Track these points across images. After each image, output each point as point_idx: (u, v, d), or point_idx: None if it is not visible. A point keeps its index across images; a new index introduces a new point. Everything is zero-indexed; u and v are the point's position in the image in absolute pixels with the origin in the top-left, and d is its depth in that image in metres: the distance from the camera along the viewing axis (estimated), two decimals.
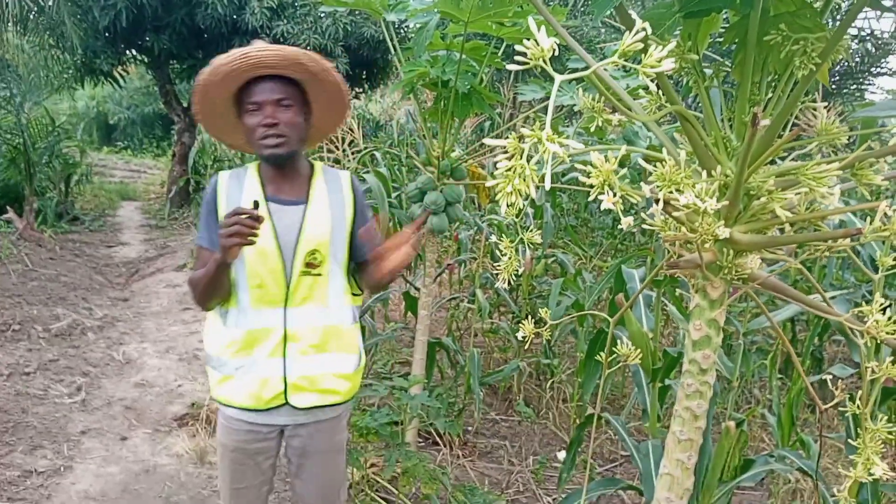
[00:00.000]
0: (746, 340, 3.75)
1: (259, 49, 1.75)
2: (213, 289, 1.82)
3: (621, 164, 0.95)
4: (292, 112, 1.83)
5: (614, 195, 0.91)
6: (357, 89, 12.61)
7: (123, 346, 5.19)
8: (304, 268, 1.86)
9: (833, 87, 7.62)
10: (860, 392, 1.14)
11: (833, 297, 2.39)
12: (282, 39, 9.61)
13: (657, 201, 0.94)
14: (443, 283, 5.89)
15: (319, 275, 1.88)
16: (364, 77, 11.91)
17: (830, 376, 1.50)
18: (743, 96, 1.02)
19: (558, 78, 0.78)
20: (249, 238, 1.65)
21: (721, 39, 1.13)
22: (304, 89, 1.87)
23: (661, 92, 1.06)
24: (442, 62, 3.18)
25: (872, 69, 7.88)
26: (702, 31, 1.09)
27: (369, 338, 4.34)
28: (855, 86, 8.14)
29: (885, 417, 1.15)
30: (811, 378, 3.21)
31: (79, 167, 10.87)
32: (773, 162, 1.18)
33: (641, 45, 0.80)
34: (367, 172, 4.98)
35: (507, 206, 0.74)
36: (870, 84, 8.22)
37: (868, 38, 7.52)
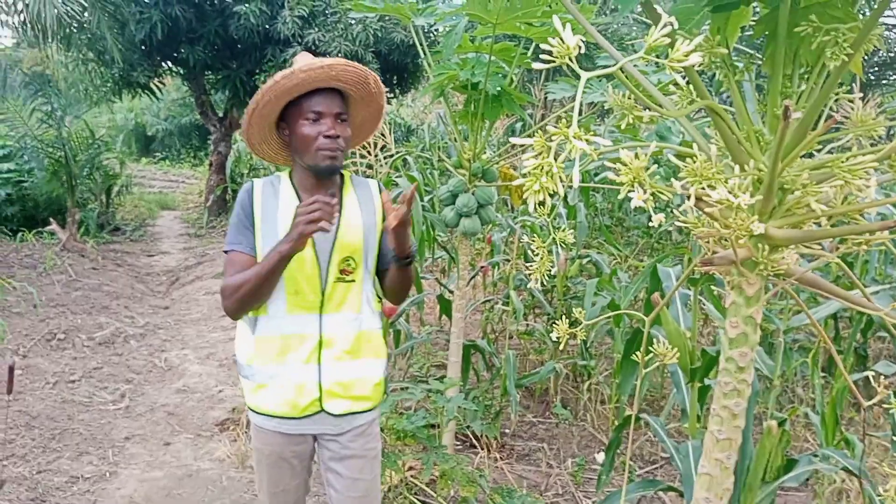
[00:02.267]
0: (787, 338, 3.68)
1: (340, 63, 1.79)
2: (265, 288, 1.80)
3: (653, 161, 0.94)
4: (347, 127, 1.87)
5: (644, 192, 0.91)
6: (388, 94, 12.69)
7: (165, 352, 5.29)
8: (338, 274, 1.89)
9: (871, 77, 7.45)
10: None
11: (875, 293, 2.33)
12: (313, 47, 9.72)
13: (689, 197, 0.93)
14: (476, 286, 5.88)
15: (353, 281, 1.91)
16: (395, 82, 11.98)
17: (874, 373, 1.46)
18: (774, 89, 1.00)
19: (584, 75, 0.77)
20: (324, 224, 1.67)
21: (751, 32, 1.12)
22: (348, 104, 1.91)
23: (691, 87, 1.05)
24: (471, 64, 3.18)
25: None
26: (731, 25, 1.08)
27: (405, 341, 4.36)
28: (895, 76, 7.96)
29: None
30: (854, 376, 3.14)
31: (119, 178, 11.12)
32: (808, 155, 1.16)
33: (669, 40, 0.80)
34: (400, 177, 5.01)
35: (535, 204, 0.74)
36: None
37: None
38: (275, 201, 1.90)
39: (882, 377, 1.22)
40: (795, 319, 2.89)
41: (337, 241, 1.88)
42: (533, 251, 1.52)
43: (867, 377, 3.51)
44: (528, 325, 4.89)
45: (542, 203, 0.74)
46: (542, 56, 0.79)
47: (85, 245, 8.62)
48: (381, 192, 2.01)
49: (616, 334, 4.05)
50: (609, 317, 2.23)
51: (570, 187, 0.78)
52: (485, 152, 3.47)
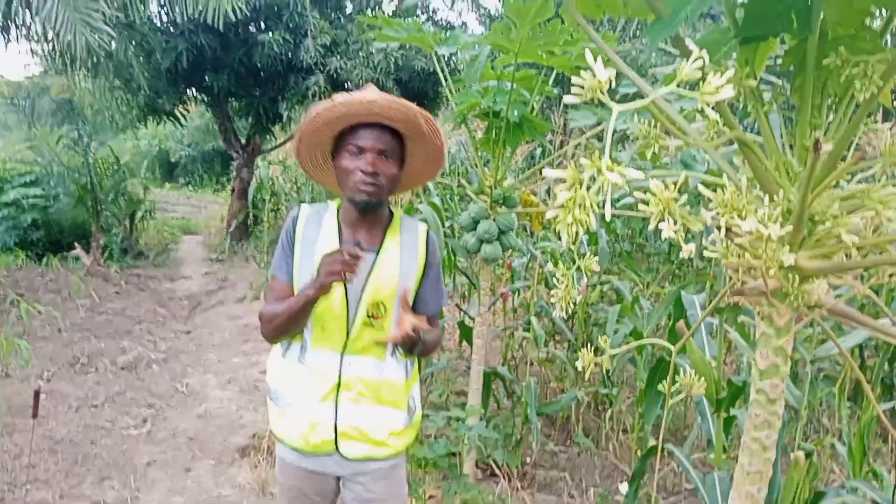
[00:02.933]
0: (813, 368, 3.63)
1: (385, 99, 1.77)
2: (294, 324, 1.83)
3: (680, 191, 0.95)
4: (391, 164, 1.84)
5: (675, 223, 0.91)
6: None
7: (187, 377, 5.31)
8: (366, 318, 1.86)
9: None
10: None
11: None
12: (335, 75, 9.86)
13: (719, 228, 0.93)
14: (497, 312, 5.87)
15: (381, 328, 1.87)
16: None
17: None
18: (803, 120, 1.00)
19: (616, 108, 0.78)
20: (347, 274, 1.69)
21: (779, 63, 1.12)
22: (404, 142, 1.89)
23: (719, 116, 1.05)
24: (493, 92, 3.21)
25: None
26: (759, 56, 1.08)
27: (424, 367, 4.35)
28: None
29: None
30: (883, 406, 3.08)
31: (143, 204, 11.27)
32: (836, 185, 1.16)
33: (699, 73, 0.80)
34: (421, 203, 5.04)
35: (570, 237, 0.74)
36: None
37: None
38: (317, 230, 1.90)
39: None
40: (822, 349, 2.85)
41: (368, 284, 1.85)
42: (557, 279, 1.51)
43: (894, 407, 3.45)
44: (548, 352, 4.86)
45: (574, 234, 0.74)
46: (573, 90, 0.80)
47: (109, 270, 8.73)
48: (428, 242, 1.96)
49: (639, 362, 4.02)
50: (634, 346, 2.22)
51: (595, 215, 0.79)
52: (506, 178, 3.49)
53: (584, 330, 4.91)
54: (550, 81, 3.30)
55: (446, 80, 3.29)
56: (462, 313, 4.71)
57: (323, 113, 1.79)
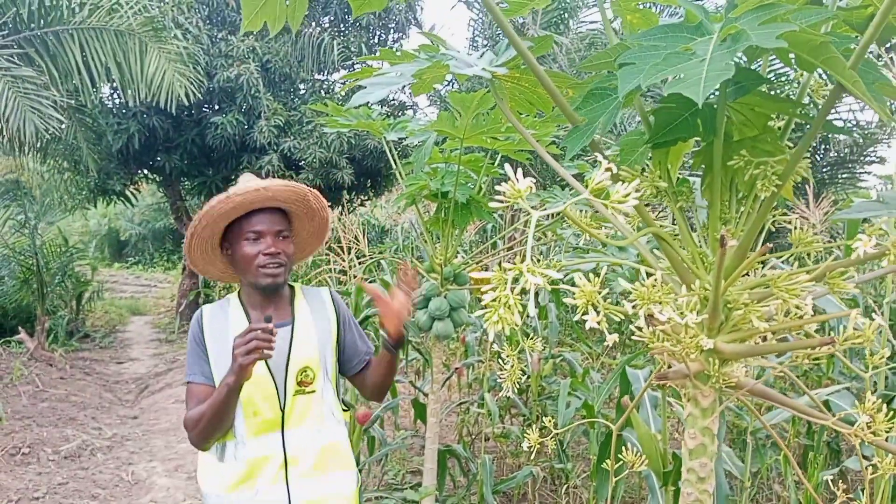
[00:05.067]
0: (762, 434, 3.70)
1: (277, 184, 1.86)
2: (221, 420, 1.81)
3: (603, 283, 1.02)
4: (288, 242, 1.92)
5: (598, 314, 0.97)
6: (362, 197, 12.95)
7: (133, 465, 5.14)
8: (297, 386, 1.89)
9: (826, 176, 7.80)
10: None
11: (836, 391, 2.40)
12: (289, 154, 9.97)
13: (637, 318, 0.99)
14: (452, 387, 5.86)
15: (313, 391, 1.90)
16: (369, 185, 12.25)
17: (832, 477, 1.50)
18: (714, 215, 1.09)
19: (535, 214, 0.85)
20: (265, 351, 1.69)
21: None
22: (291, 220, 1.98)
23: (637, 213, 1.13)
24: (441, 174, 3.31)
25: (862, 157, 8.10)
26: (673, 155, 1.18)
27: (379, 448, 4.30)
28: (847, 174, 8.35)
29: None
30: (827, 472, 3.16)
31: (90, 285, 11.05)
32: (762, 269, 1.24)
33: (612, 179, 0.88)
34: (373, 281, 5.08)
35: (495, 335, 0.80)
36: (862, 172, 8.43)
37: (855, 128, 7.76)
38: (224, 324, 1.92)
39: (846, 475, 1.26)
40: (766, 417, 2.94)
41: (291, 355, 1.89)
42: (502, 359, 1.55)
43: (841, 471, 3.53)
44: (504, 427, 4.86)
45: (499, 332, 0.79)
46: (496, 197, 0.87)
47: (53, 354, 8.47)
48: (333, 300, 2.05)
49: (591, 436, 4.04)
50: (582, 423, 2.27)
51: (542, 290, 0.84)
52: (456, 256, 3.56)
53: (539, 403, 4.93)
54: (496, 163, 3.42)
55: (396, 163, 3.39)
56: (416, 390, 4.70)
57: (217, 206, 1.83)
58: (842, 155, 7.90)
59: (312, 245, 2.13)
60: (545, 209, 0.89)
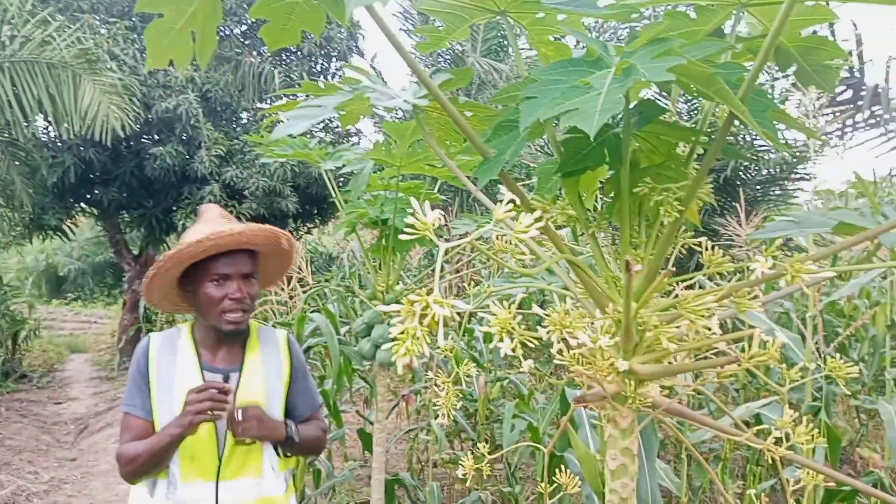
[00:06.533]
0: (704, 448, 3.78)
1: (252, 229, 1.82)
2: (158, 463, 1.77)
3: (520, 307, 1.04)
4: (255, 285, 1.88)
5: (512, 341, 0.99)
6: (308, 225, 12.86)
7: None
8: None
9: (758, 195, 8.07)
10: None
11: (768, 404, 2.47)
12: (231, 184, 9.86)
13: (552, 344, 1.02)
14: (401, 414, 5.82)
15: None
16: (315, 213, 12.19)
17: (756, 492, 1.54)
18: (624, 239, 1.13)
19: (443, 246, 0.87)
20: (216, 412, 1.66)
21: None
22: (257, 258, 1.93)
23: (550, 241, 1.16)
24: (380, 202, 3.33)
25: (792, 175, 8.40)
26: (585, 184, 1.22)
27: (326, 480, 4.24)
28: (779, 192, 8.64)
29: None
30: (765, 483, 3.24)
31: (26, 323, 10.68)
32: (668, 293, 1.28)
33: (519, 210, 0.91)
34: (316, 310, 5.03)
35: (402, 367, 0.81)
36: (793, 189, 8.74)
37: (778, 151, 8.05)
38: (172, 359, 1.87)
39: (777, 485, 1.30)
40: (696, 434, 3.00)
41: (234, 403, 1.83)
42: (437, 386, 1.56)
43: (780, 483, 3.62)
44: (453, 452, 4.85)
45: (406, 365, 0.81)
46: (406, 229, 0.89)
47: None
48: (290, 347, 2.00)
49: (538, 458, 4.07)
50: (528, 445, 2.29)
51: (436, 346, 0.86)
52: (399, 282, 3.57)
53: (486, 427, 4.94)
54: (436, 189, 3.45)
55: (335, 192, 3.39)
56: (363, 419, 4.66)
57: (187, 250, 1.78)
58: (773, 173, 8.17)
59: (273, 280, 2.10)
60: (458, 240, 0.91)
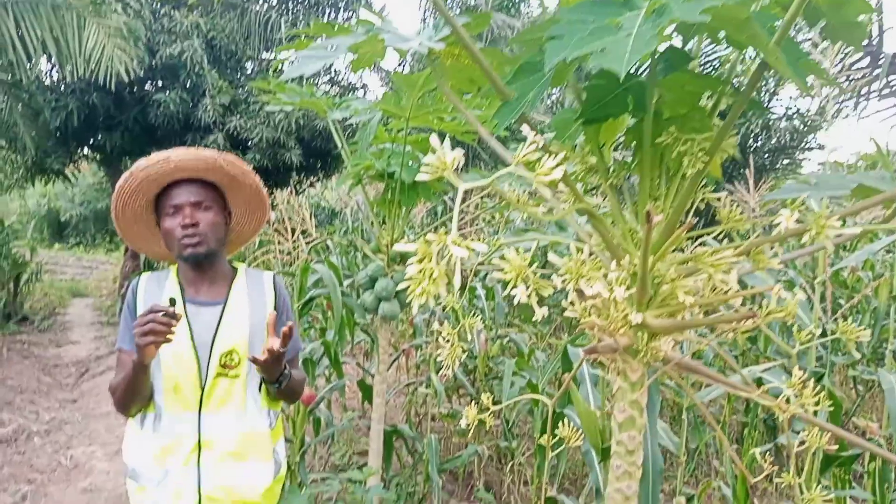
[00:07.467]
0: (698, 411, 3.80)
1: (178, 154, 1.80)
2: (133, 393, 1.78)
3: (534, 258, 1.02)
4: (212, 213, 1.86)
5: (528, 288, 0.97)
6: (312, 178, 12.79)
7: (71, 449, 5.02)
8: (219, 368, 1.83)
9: (766, 163, 8.00)
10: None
11: (768, 369, 2.47)
12: (235, 134, 9.78)
13: (567, 293, 1.00)
14: (401, 368, 5.86)
15: (237, 376, 1.85)
16: (318, 166, 12.11)
17: (758, 451, 1.55)
18: (644, 191, 1.10)
19: (462, 186, 0.84)
20: (166, 336, 1.63)
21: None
22: (224, 193, 1.93)
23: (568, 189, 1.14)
24: (387, 154, 3.28)
25: (802, 144, 8.33)
26: (606, 133, 1.18)
27: (324, 429, 4.28)
28: (788, 161, 8.57)
29: (824, 484, 1.20)
30: (763, 447, 3.26)
31: (28, 266, 10.71)
32: (682, 248, 1.26)
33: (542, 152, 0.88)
34: (319, 262, 5.02)
35: (419, 306, 0.79)
36: (802, 158, 8.67)
37: (795, 116, 7.96)
38: (158, 295, 1.87)
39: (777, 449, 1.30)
40: (702, 394, 3.01)
41: (217, 336, 1.84)
42: (443, 338, 1.54)
43: (777, 446, 3.65)
44: (451, 407, 4.89)
45: (423, 304, 0.79)
46: (422, 169, 0.86)
47: None
48: (275, 286, 1.99)
49: (535, 414, 4.10)
50: (524, 399, 2.29)
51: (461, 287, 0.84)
52: (403, 237, 3.55)
53: (486, 383, 4.97)
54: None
55: (342, 142, 3.34)
56: (363, 371, 4.68)
57: (124, 185, 1.81)
58: (782, 142, 8.10)
59: (255, 221, 2.05)
60: (476, 183, 0.88)
